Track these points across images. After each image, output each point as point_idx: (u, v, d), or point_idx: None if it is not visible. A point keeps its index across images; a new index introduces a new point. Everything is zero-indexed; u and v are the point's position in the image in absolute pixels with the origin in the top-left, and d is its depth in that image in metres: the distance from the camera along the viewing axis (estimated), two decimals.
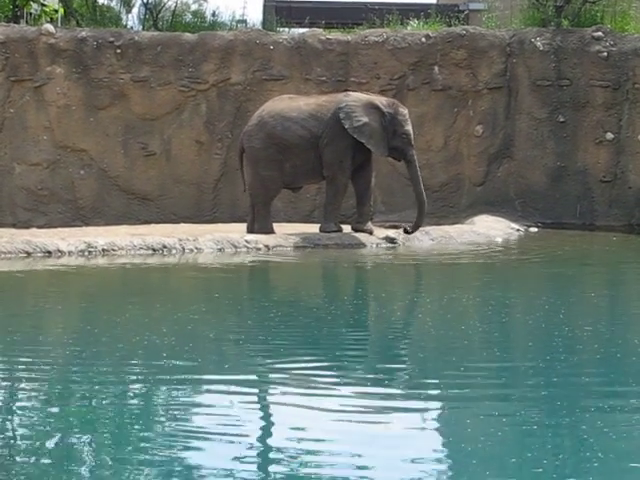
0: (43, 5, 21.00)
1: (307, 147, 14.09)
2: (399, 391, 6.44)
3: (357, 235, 14.04)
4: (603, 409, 5.94)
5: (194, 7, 22.26)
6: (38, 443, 5.30)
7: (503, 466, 5.02)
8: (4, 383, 6.56)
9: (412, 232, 14.16)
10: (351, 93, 14.58)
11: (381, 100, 14.39)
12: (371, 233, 14.17)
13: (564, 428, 5.55)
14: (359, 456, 5.08)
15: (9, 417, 5.77)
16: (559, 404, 5.96)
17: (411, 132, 14.30)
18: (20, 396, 6.28)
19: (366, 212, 14.36)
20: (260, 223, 14.22)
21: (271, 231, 14.08)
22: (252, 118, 14.69)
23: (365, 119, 13.97)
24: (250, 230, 14.17)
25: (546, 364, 7.04)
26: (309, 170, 14.27)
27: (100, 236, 12.98)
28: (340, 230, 14.19)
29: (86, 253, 12.20)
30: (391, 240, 13.91)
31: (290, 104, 14.40)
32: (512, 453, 5.20)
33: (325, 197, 14.79)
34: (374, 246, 13.81)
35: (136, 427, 5.61)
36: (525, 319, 9.11)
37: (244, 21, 22.40)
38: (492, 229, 15.48)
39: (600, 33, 17.65)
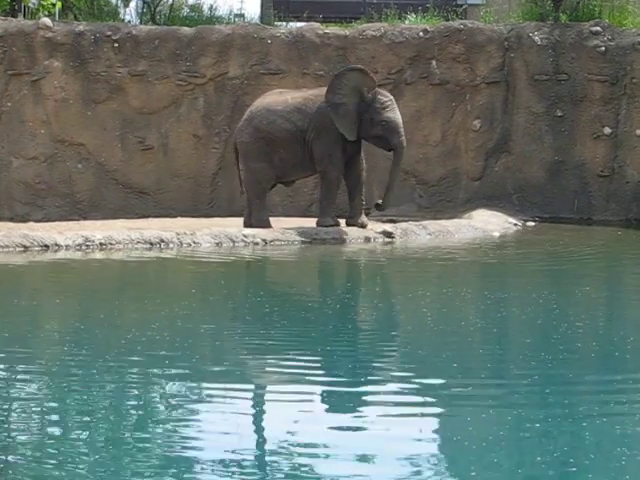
0: None
1: (292, 140, 14.12)
2: (399, 389, 6.45)
3: (354, 229, 14.03)
4: (606, 407, 5.93)
5: (192, 1, 22.27)
6: (33, 437, 5.31)
7: (505, 466, 5.00)
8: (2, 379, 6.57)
9: (381, 209, 14.52)
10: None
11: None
12: (363, 227, 14.15)
13: (568, 427, 5.54)
14: (359, 455, 5.07)
15: (6, 410, 5.77)
16: (561, 404, 5.95)
17: (393, 119, 14.03)
18: (15, 391, 6.27)
19: (357, 206, 14.33)
20: (256, 216, 14.25)
21: (268, 223, 14.10)
22: (245, 113, 14.77)
23: (345, 99, 13.96)
24: (247, 224, 14.18)
25: (548, 362, 7.01)
26: (297, 163, 14.29)
27: (97, 230, 12.99)
28: (337, 224, 14.18)
29: (83, 247, 12.19)
30: (388, 234, 13.91)
31: (277, 98, 14.48)
32: (514, 453, 5.18)
33: (320, 192, 14.79)
34: (371, 240, 13.81)
35: (131, 426, 5.62)
36: (523, 315, 9.10)
37: (242, 15, 22.46)
38: (490, 224, 15.48)
39: (598, 28, 17.63)
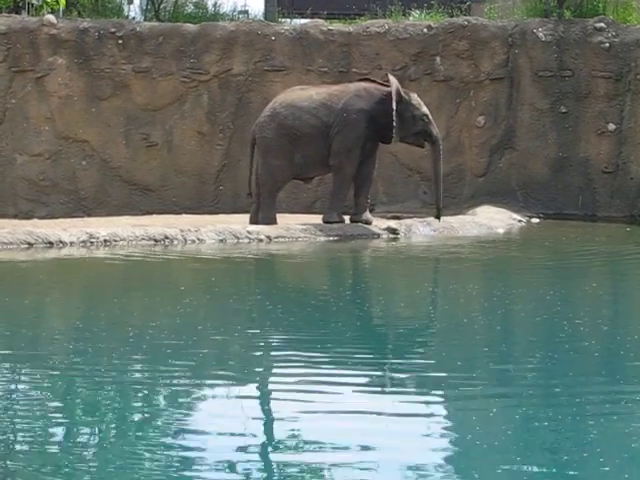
0: None
1: (318, 136, 14.10)
2: (400, 388, 6.45)
3: (359, 226, 14.04)
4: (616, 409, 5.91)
5: None
6: (33, 436, 5.31)
7: (507, 467, 4.97)
8: (5, 376, 6.58)
9: (438, 217, 14.51)
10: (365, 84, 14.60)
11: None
12: (368, 223, 14.15)
13: (575, 426, 5.52)
14: (360, 456, 5.06)
15: (8, 408, 5.77)
16: (568, 405, 5.93)
17: (429, 113, 14.65)
18: (18, 389, 6.28)
19: (362, 203, 14.34)
20: (264, 213, 14.23)
21: (274, 222, 14.08)
22: (265, 110, 14.63)
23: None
24: (253, 220, 14.16)
25: (555, 364, 6.98)
26: (319, 160, 14.27)
27: (102, 227, 12.99)
28: (342, 221, 14.18)
29: (88, 244, 12.20)
30: (393, 231, 13.91)
31: (301, 94, 14.43)
32: (517, 453, 5.17)
33: (332, 186, 14.74)
34: (376, 237, 13.81)
35: (130, 425, 5.62)
36: (528, 314, 9.10)
37: (246, 12, 22.38)
38: (494, 220, 15.47)
39: (602, 24, 17.61)
